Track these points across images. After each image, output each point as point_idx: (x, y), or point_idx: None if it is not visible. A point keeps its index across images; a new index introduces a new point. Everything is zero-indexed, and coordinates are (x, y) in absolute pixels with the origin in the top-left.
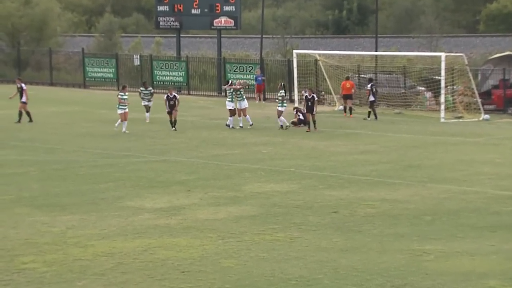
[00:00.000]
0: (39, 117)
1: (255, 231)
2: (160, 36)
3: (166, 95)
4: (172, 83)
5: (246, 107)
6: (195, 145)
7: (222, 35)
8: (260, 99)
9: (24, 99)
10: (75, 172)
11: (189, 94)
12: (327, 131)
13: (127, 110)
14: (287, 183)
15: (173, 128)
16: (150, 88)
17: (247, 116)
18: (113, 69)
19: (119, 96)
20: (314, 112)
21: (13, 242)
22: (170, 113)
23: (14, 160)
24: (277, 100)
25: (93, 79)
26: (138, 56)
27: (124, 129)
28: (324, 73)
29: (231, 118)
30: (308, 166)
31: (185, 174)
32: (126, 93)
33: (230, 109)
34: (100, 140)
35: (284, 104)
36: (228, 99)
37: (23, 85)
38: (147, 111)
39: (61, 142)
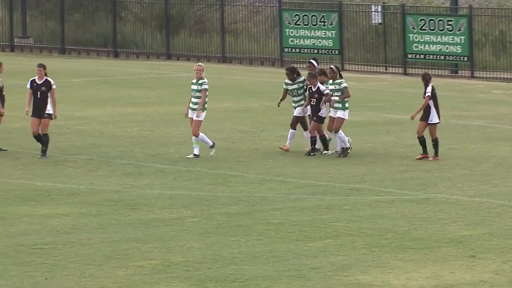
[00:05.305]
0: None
1: None
2: None
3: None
4: (443, 57)
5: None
6: (484, 173)
7: None
8: None
9: (51, 109)
10: (265, 220)
11: (472, 76)
12: None
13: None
14: None
15: (313, 152)
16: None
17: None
18: (333, 32)
19: (326, 88)
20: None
21: None
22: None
23: (158, 197)
24: (335, 102)
25: (297, 50)
26: (378, 8)
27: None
28: None
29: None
30: None
31: (466, 227)
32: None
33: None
34: (308, 162)
35: (346, 106)
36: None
37: (51, 80)
38: None
39: (240, 164)
